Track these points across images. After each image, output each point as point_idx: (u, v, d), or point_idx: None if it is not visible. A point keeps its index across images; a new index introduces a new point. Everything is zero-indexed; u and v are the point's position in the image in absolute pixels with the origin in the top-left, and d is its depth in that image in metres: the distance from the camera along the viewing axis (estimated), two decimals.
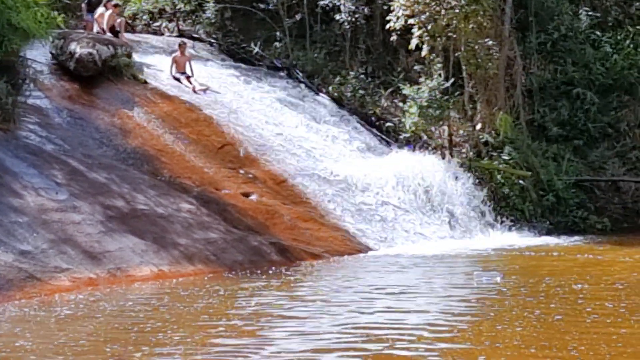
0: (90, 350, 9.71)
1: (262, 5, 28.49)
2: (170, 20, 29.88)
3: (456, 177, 22.97)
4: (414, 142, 24.61)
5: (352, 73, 26.72)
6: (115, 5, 25.57)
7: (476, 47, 24.60)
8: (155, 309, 12.33)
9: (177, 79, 23.92)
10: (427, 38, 24.30)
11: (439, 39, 24.33)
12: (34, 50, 21.39)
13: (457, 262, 18.02)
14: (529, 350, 9.36)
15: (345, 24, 27.26)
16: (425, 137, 25.10)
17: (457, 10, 23.87)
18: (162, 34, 29.11)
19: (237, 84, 25.11)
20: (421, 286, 14.85)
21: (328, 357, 9.32)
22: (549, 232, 22.75)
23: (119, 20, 25.15)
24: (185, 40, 26.22)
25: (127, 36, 25.67)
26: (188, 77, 23.95)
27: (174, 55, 24.53)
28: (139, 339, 10.25)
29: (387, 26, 25.11)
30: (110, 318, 11.67)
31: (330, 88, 26.52)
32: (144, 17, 29.80)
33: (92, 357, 9.37)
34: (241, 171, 20.47)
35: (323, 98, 26.24)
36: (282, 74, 27.24)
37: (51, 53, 22.47)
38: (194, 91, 23.39)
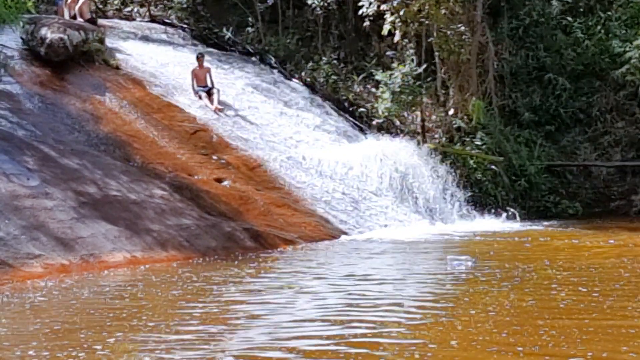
0: (65, 336, 9.67)
1: None
2: (141, 5, 29.72)
3: (429, 163, 23.02)
4: (386, 127, 24.67)
5: (324, 59, 26.71)
6: None
7: (448, 32, 24.66)
8: (131, 295, 12.29)
9: (199, 96, 23.00)
10: (399, 24, 24.32)
11: (411, 24, 24.36)
12: (4, 36, 21.24)
13: (429, 247, 18.06)
14: (501, 335, 9.38)
15: (318, 9, 27.23)
16: (398, 123, 25.16)
17: None
18: (134, 19, 28.95)
19: (210, 70, 25.00)
20: (393, 271, 14.88)
21: (299, 344, 9.32)
22: (521, 217, 22.86)
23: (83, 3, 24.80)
24: (203, 51, 25.02)
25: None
26: (209, 91, 23.09)
27: (192, 68, 23.56)
28: (113, 325, 10.21)
29: (360, 12, 25.13)
30: (85, 305, 11.61)
31: (302, 74, 26.51)
32: (115, 2, 29.64)
33: (65, 343, 9.32)
34: (214, 157, 20.43)
35: (296, 84, 26.22)
36: (254, 59, 27.18)
37: (22, 38, 22.30)
38: (215, 112, 22.51)
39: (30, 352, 8.93)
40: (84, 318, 10.76)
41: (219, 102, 22.83)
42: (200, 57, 23.73)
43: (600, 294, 11.75)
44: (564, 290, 12.09)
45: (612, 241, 18.07)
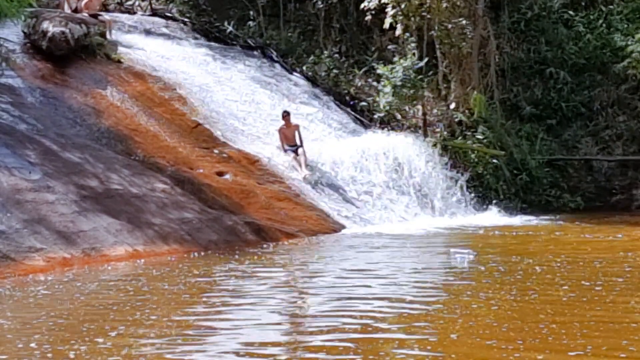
0: (67, 329, 9.70)
1: None
2: None
3: (430, 157, 23.03)
4: (388, 121, 24.68)
5: (326, 52, 26.72)
6: None
7: (450, 26, 24.66)
8: (133, 288, 12.31)
9: (289, 155, 21.53)
10: (401, 17, 24.32)
11: (412, 18, 24.36)
12: (5, 29, 21.20)
13: (431, 240, 18.08)
14: (501, 328, 9.40)
15: (319, 2, 27.24)
16: (399, 117, 25.17)
17: None
18: (135, 13, 28.93)
19: (211, 63, 25.04)
20: (395, 265, 14.87)
21: (303, 338, 9.35)
22: (522, 211, 22.89)
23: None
24: (288, 109, 22.73)
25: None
26: (297, 150, 21.44)
27: (279, 127, 21.99)
28: (115, 318, 10.24)
29: (361, 5, 25.14)
30: (88, 298, 11.64)
31: (304, 67, 26.50)
32: None
33: (67, 335, 9.35)
34: (215, 150, 20.43)
35: (297, 77, 26.21)
36: (255, 53, 27.17)
37: (23, 32, 22.27)
38: (304, 179, 20.86)
39: (32, 345, 8.95)
40: (86, 311, 10.79)
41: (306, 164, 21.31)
42: (286, 115, 22.04)
43: (603, 288, 11.77)
44: (566, 284, 12.10)
45: (619, 235, 18.09)
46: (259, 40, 27.47)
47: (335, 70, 26.40)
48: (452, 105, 25.12)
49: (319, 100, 25.23)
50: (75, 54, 22.01)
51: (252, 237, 17.27)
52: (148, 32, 26.57)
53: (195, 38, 27.48)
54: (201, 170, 19.27)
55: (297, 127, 21.95)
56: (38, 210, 14.94)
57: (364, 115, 25.33)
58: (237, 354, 8.65)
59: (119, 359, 8.47)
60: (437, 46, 24.90)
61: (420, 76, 24.20)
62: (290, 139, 21.80)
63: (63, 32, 21.72)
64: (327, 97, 25.63)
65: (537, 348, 8.57)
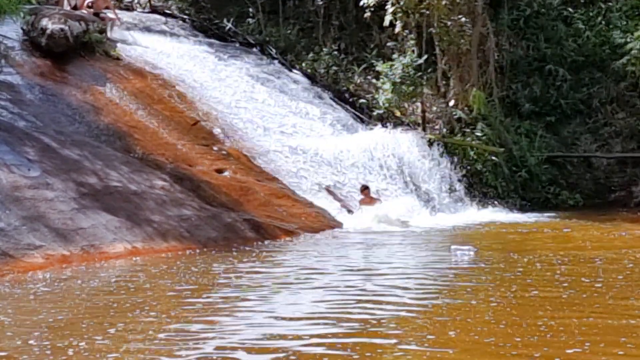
0: (66, 326, 9.70)
1: None
2: None
3: (429, 154, 23.04)
4: (387, 118, 24.69)
5: (325, 49, 26.73)
6: None
7: (449, 23, 24.66)
8: (132, 286, 12.31)
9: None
10: (400, 14, 24.34)
11: (412, 15, 24.38)
12: (4, 27, 21.19)
13: (431, 237, 18.08)
14: (499, 326, 9.40)
15: (319, 0, 27.21)
16: (398, 114, 25.18)
17: None
18: (134, 10, 28.94)
19: (211, 60, 25.04)
20: (394, 262, 14.87)
21: (299, 333, 9.35)
22: (521, 208, 22.91)
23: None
24: (366, 183, 21.38)
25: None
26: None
27: (359, 199, 20.95)
28: (115, 316, 10.24)
29: (361, 3, 25.14)
30: (87, 295, 11.63)
31: (303, 64, 26.54)
32: None
33: (67, 332, 9.35)
34: (214, 147, 20.44)
35: (296, 74, 26.23)
36: (255, 50, 27.19)
37: (22, 29, 22.27)
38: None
39: (31, 342, 8.96)
40: (85, 308, 10.79)
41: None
42: (364, 189, 20.94)
43: (603, 285, 11.77)
44: (566, 281, 12.10)
45: (620, 232, 18.09)
46: (258, 38, 27.50)
47: (334, 68, 26.43)
48: (451, 103, 25.15)
49: (318, 97, 25.23)
50: (74, 51, 22.01)
51: (251, 234, 17.26)
52: (147, 29, 26.57)
53: (195, 35, 27.50)
54: (200, 168, 19.28)
55: (377, 199, 20.93)
56: (37, 208, 14.94)
57: (364, 113, 25.35)
58: (234, 349, 8.65)
59: (117, 355, 8.47)
60: (437, 43, 24.91)
61: (419, 73, 24.24)
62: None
63: (62, 29, 21.72)
64: (327, 94, 25.64)
65: (535, 346, 8.57)
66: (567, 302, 10.70)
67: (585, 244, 16.54)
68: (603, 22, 26.76)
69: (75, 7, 24.46)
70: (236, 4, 28.44)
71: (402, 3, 24.09)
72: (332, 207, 20.12)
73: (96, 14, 24.27)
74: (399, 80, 23.97)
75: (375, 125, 24.28)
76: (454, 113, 24.92)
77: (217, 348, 8.75)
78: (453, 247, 15.22)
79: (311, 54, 26.67)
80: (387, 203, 20.76)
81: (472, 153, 23.76)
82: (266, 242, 17.09)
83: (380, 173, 21.95)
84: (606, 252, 15.06)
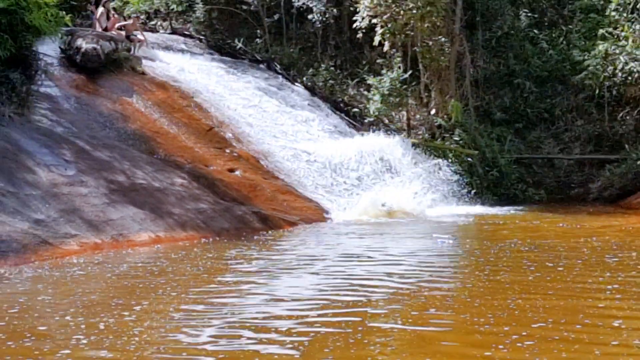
0: (98, 304, 9.71)
1: (244, 7, 28.43)
2: (164, 20, 29.70)
3: (413, 156, 23.05)
4: (377, 125, 24.69)
5: (323, 65, 26.73)
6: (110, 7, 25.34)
7: (430, 43, 24.69)
8: (158, 269, 12.29)
9: None
10: (388, 35, 24.37)
11: (398, 36, 24.39)
12: (44, 46, 21.11)
13: (415, 227, 18.07)
14: (473, 304, 9.42)
15: (317, 23, 27.23)
16: (386, 121, 25.19)
17: (414, 12, 23.91)
18: (157, 32, 28.92)
19: (224, 75, 25.02)
20: (381, 249, 14.88)
21: (303, 313, 9.35)
22: (493, 203, 22.89)
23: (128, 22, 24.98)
24: None
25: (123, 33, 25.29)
26: None
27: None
28: (140, 295, 10.24)
29: (354, 25, 25.15)
30: (117, 277, 11.63)
31: (304, 78, 26.53)
32: (141, 17, 29.57)
33: (99, 309, 9.35)
34: (227, 150, 20.42)
35: (298, 87, 26.24)
36: (262, 66, 27.19)
37: (60, 48, 22.22)
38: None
39: (67, 318, 8.96)
40: (115, 289, 10.79)
41: None
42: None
43: (565, 269, 11.78)
44: (532, 265, 12.11)
45: (580, 224, 18.07)
46: (265, 55, 27.47)
47: (331, 81, 26.43)
48: (433, 111, 25.20)
49: (317, 106, 25.25)
50: (105, 67, 21.95)
51: (258, 225, 17.24)
52: (169, 48, 26.54)
53: (210, 53, 27.47)
54: (214, 167, 19.25)
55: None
56: (72, 202, 14.92)
57: (356, 120, 25.36)
58: (244, 325, 8.66)
59: (142, 329, 8.48)
60: (420, 60, 24.91)
61: (405, 86, 24.25)
62: None
63: (95, 48, 21.69)
64: (324, 104, 25.66)
65: (504, 321, 8.58)
66: (533, 284, 10.71)
67: (549, 233, 16.54)
68: (564, 42, 26.80)
69: (105, 29, 24.43)
70: (246, 27, 28.42)
71: (390, 26, 24.11)
72: (326, 201, 20.08)
73: (127, 37, 24.27)
74: (387, 92, 23.96)
75: (367, 131, 24.26)
76: (435, 120, 24.93)
77: (230, 323, 8.76)
78: (434, 235, 15.21)
79: (311, 70, 26.66)
80: (385, 190, 20.88)
81: (450, 155, 23.75)
82: (271, 231, 17.07)
83: (370, 172, 21.91)
84: (567, 241, 15.07)
